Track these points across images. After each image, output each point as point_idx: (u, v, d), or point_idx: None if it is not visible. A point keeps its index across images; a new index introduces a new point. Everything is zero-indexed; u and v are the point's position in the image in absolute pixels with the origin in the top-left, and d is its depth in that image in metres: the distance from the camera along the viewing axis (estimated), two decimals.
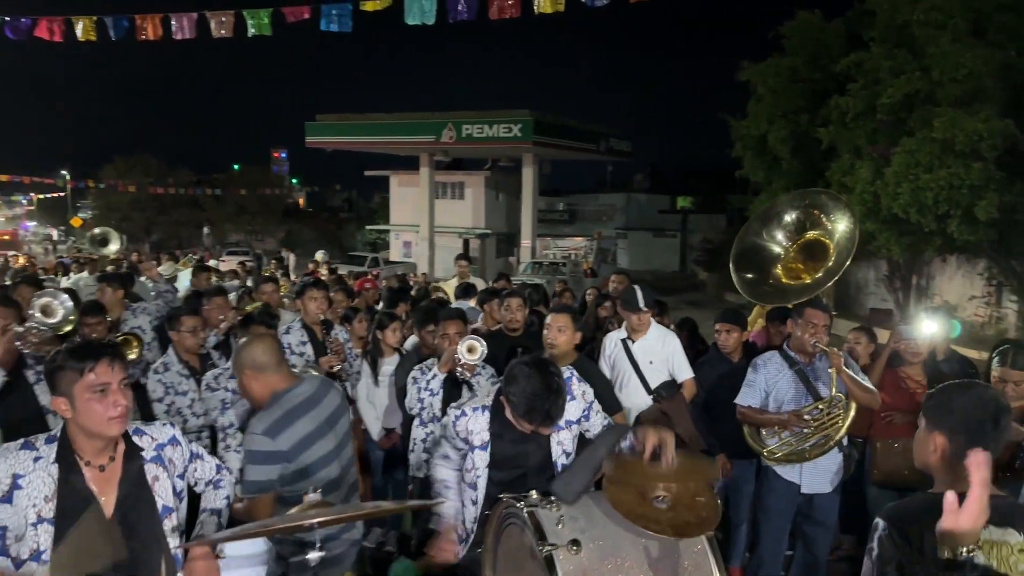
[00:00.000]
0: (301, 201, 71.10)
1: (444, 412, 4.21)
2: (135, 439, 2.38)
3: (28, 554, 2.16)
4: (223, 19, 9.86)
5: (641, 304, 4.81)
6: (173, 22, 10.05)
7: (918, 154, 12.36)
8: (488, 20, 9.07)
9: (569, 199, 43.48)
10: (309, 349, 5.04)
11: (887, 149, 13.38)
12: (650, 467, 2.63)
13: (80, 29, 10.59)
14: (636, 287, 4.97)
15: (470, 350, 4.15)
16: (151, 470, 2.38)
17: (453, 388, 4.36)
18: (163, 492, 2.39)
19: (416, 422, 4.56)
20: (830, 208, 4.52)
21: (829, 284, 4.35)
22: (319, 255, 16.39)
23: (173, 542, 2.39)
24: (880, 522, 1.96)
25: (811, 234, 4.51)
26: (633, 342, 4.92)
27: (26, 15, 11.37)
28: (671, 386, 4.82)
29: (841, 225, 4.43)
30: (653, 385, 4.82)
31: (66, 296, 3.17)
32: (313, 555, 2.18)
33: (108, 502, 2.27)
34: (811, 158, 16.18)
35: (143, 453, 2.38)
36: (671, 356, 4.93)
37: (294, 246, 37.84)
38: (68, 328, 3.89)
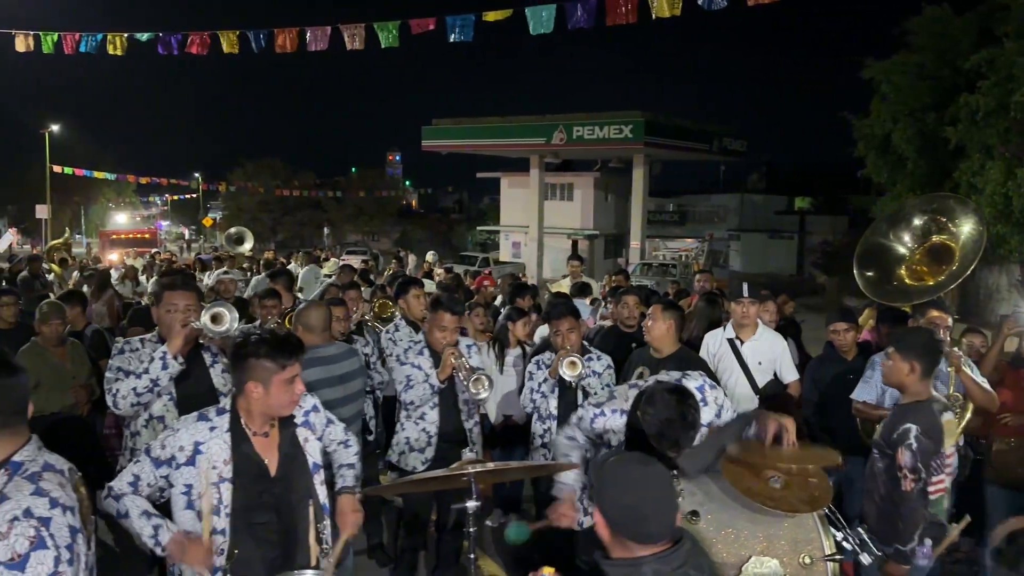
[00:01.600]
0: (414, 202, 73.11)
1: (559, 410, 4.48)
2: None
3: (210, 508, 2.57)
4: (354, 32, 10.53)
5: (744, 292, 4.94)
6: (308, 35, 10.80)
7: None
8: (604, 26, 9.30)
9: (680, 200, 42.96)
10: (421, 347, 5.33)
11: (1020, 148, 12.72)
12: (771, 450, 2.82)
13: (225, 43, 11.55)
14: (744, 282, 5.13)
15: (570, 366, 4.23)
16: (302, 433, 2.81)
17: (566, 386, 4.48)
18: (312, 452, 2.81)
19: (535, 417, 4.73)
20: (958, 212, 4.53)
21: (952, 286, 4.37)
22: (429, 256, 16.96)
23: (322, 493, 2.80)
24: None
25: (937, 238, 4.54)
26: (742, 342, 5.03)
27: (176, 32, 12.45)
28: (776, 387, 4.94)
29: (967, 229, 4.43)
30: (760, 385, 4.95)
31: (231, 307, 3.62)
32: (471, 504, 2.49)
33: (271, 463, 2.69)
34: (938, 158, 15.53)
35: (295, 420, 2.81)
36: (779, 358, 5.04)
37: (407, 246, 39.09)
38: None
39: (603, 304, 7.73)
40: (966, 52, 14.50)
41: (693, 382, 3.39)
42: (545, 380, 4.58)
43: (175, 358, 3.34)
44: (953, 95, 14.62)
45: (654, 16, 8.76)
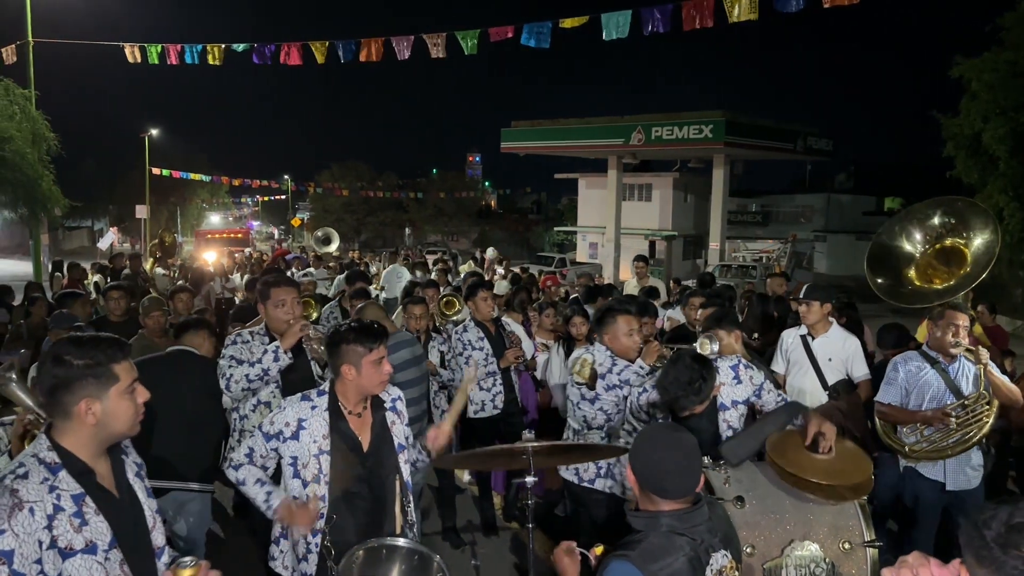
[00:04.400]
0: (493, 203, 73.80)
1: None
2: (379, 395, 3.14)
3: (311, 477, 2.94)
4: (436, 41, 10.96)
5: (801, 293, 5.13)
6: (393, 44, 11.31)
7: None
8: (681, 29, 9.41)
9: (763, 200, 42.15)
10: (487, 344, 5.57)
11: None
12: (806, 455, 2.99)
13: (316, 53, 12.17)
14: (807, 284, 5.29)
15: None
16: (389, 417, 3.14)
17: None
18: (398, 433, 3.14)
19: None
20: (968, 215, 4.57)
21: (967, 290, 4.42)
22: (490, 252, 17.09)
23: (406, 471, 3.12)
24: None
25: (949, 240, 4.57)
26: (813, 339, 5.16)
27: (271, 42, 13.15)
28: (848, 385, 5.02)
29: (980, 232, 4.48)
30: (830, 382, 5.05)
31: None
32: (530, 479, 2.75)
33: (364, 440, 3.04)
34: None
35: (384, 404, 3.15)
36: (850, 356, 5.12)
37: (486, 246, 39.66)
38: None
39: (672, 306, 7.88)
40: None
41: (728, 361, 3.68)
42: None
43: (285, 353, 3.73)
44: None
45: (730, 20, 8.85)
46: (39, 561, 1.87)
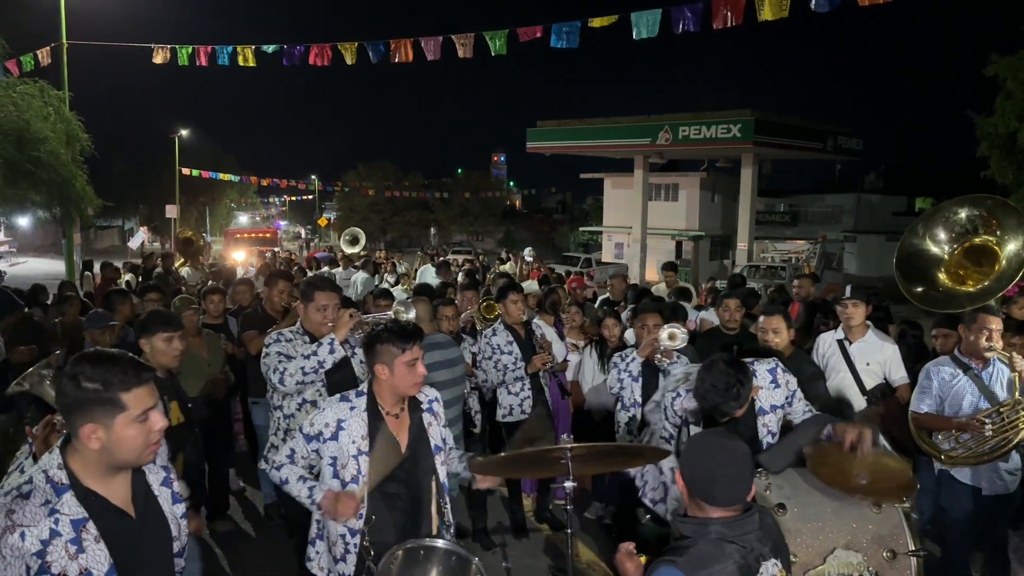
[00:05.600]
0: (517, 203, 73.83)
1: (644, 398, 4.74)
2: (416, 396, 3.14)
3: (350, 477, 2.95)
4: (463, 42, 10.96)
5: (847, 293, 5.04)
6: (423, 44, 11.32)
7: None
8: (711, 28, 9.33)
9: (791, 200, 41.72)
10: (516, 348, 5.49)
11: None
12: (846, 460, 2.94)
13: (346, 54, 12.22)
14: (849, 285, 5.21)
15: (671, 337, 4.54)
16: (426, 418, 3.14)
17: (651, 375, 4.79)
18: (434, 435, 3.14)
19: (619, 406, 5.02)
20: (998, 212, 4.47)
21: (1003, 291, 4.33)
22: (526, 252, 17.05)
23: (442, 472, 3.12)
24: None
25: (978, 239, 4.47)
26: (851, 343, 5.08)
27: (300, 44, 13.23)
28: (886, 389, 4.94)
29: (1011, 229, 4.38)
30: (868, 387, 4.97)
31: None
32: (568, 483, 2.73)
33: (403, 441, 3.04)
34: None
35: (422, 405, 3.15)
36: (888, 361, 5.04)
37: (511, 246, 39.67)
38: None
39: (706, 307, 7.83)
40: None
41: (765, 365, 3.62)
42: (633, 360, 4.88)
43: (341, 345, 3.78)
44: None
45: (759, 18, 8.76)
46: None
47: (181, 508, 2.23)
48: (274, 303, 5.80)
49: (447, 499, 3.12)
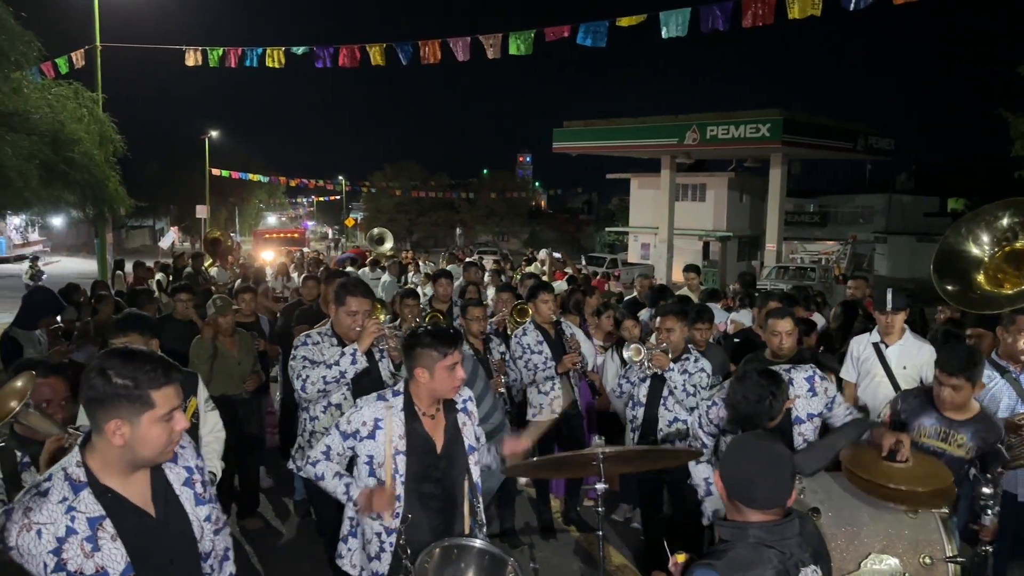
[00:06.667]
0: (543, 203, 73.78)
1: (648, 397, 4.77)
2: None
3: (387, 476, 2.96)
4: (491, 42, 10.97)
5: (888, 306, 4.88)
6: (451, 45, 11.35)
7: None
8: (740, 27, 9.24)
9: (821, 200, 41.26)
10: (546, 348, 5.50)
11: None
12: (884, 465, 2.89)
13: (373, 56, 12.29)
14: (889, 289, 5.04)
15: (636, 352, 4.64)
16: (460, 418, 3.16)
17: (658, 378, 4.75)
18: (468, 435, 3.15)
19: (628, 404, 5.01)
20: None
21: None
22: (542, 253, 17.01)
23: (475, 472, 3.13)
24: None
25: (1020, 243, 4.38)
26: (887, 346, 4.98)
27: (330, 45, 13.32)
28: None
29: None
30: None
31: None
32: (600, 486, 2.72)
33: (438, 441, 3.06)
34: None
35: (456, 406, 3.15)
36: (925, 364, 4.94)
37: (537, 247, 39.62)
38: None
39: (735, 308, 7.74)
40: None
41: (802, 372, 3.55)
42: (632, 367, 4.86)
43: (363, 356, 3.76)
44: None
45: (790, 16, 8.67)
46: None
47: (205, 510, 2.20)
48: (329, 300, 5.83)
49: (480, 498, 3.13)
